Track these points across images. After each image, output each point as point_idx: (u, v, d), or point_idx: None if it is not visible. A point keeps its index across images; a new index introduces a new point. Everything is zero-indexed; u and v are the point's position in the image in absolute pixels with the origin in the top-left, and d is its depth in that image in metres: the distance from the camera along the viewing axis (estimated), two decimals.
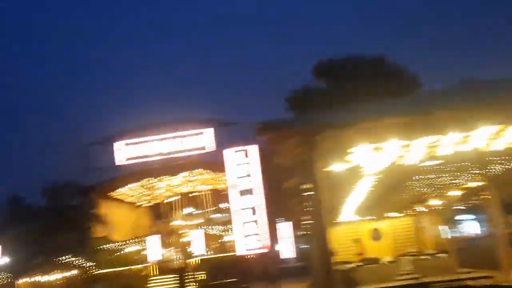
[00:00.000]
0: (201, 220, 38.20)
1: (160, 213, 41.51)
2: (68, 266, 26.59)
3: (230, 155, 7.51)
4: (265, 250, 7.78)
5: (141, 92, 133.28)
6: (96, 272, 29.04)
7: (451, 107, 7.63)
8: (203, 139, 33.72)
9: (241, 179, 7.61)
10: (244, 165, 7.65)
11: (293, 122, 7.78)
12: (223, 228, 35.71)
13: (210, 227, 35.82)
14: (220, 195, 41.33)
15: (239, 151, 7.68)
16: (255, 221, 7.60)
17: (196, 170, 35.54)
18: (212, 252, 34.92)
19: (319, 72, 35.01)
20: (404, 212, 20.00)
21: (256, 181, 7.79)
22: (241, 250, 7.49)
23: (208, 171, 36.05)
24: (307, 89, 34.07)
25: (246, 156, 7.76)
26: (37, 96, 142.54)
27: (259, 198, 7.69)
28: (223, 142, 34.15)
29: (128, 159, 33.52)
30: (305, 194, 12.05)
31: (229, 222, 36.78)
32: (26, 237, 29.07)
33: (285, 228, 23.55)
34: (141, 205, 41.09)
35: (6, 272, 25.57)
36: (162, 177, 36.02)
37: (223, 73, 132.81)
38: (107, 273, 30.99)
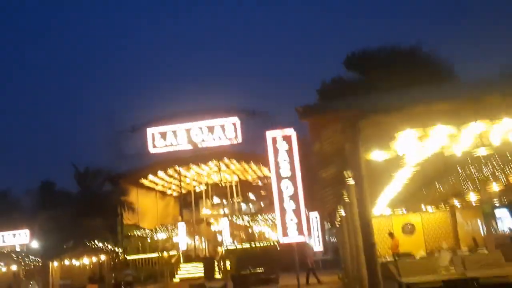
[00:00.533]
0: (228, 210, 38.25)
1: (187, 202, 41.72)
2: (98, 251, 26.90)
3: (271, 138, 7.33)
4: (303, 239, 7.60)
5: (170, 82, 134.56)
6: (126, 258, 29.33)
7: (504, 93, 7.23)
8: (232, 129, 33.62)
9: (281, 164, 7.43)
10: (284, 150, 7.46)
11: (338, 106, 7.47)
12: (250, 218, 35.67)
13: (237, 217, 35.79)
14: (247, 186, 41.32)
15: (279, 135, 7.47)
16: (294, 209, 7.43)
17: (225, 160, 35.51)
18: (238, 242, 34.93)
19: (351, 63, 34.32)
20: (439, 206, 19.48)
21: (295, 167, 7.59)
22: (280, 238, 7.34)
23: (235, 161, 35.99)
24: (339, 80, 33.49)
25: (285, 140, 7.56)
26: (70, 84, 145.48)
27: (297, 185, 7.50)
28: (251, 132, 34.13)
29: (158, 147, 33.68)
30: (344, 183, 11.77)
31: (256, 213, 36.88)
32: (57, 221, 29.53)
33: (314, 220, 23.28)
34: (170, 194, 41.38)
35: (39, 255, 26.06)
36: (190, 166, 36.13)
37: (250, 62, 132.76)
38: (137, 260, 31.28)
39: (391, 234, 18.72)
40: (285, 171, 8.10)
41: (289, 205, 8.06)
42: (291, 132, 8.20)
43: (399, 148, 8.88)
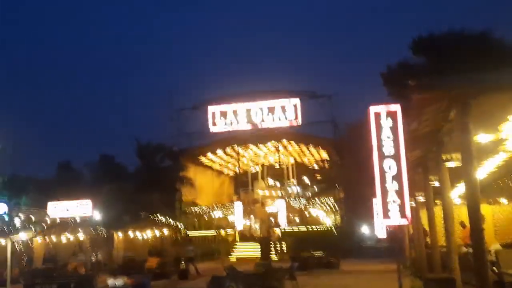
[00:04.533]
0: (283, 192, 38.15)
1: (242, 182, 41.95)
2: (160, 226, 27.44)
3: (374, 114, 7.00)
4: (406, 222, 7.21)
5: (231, 61, 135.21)
6: (187, 234, 29.83)
7: None
8: (293, 110, 33.35)
9: (384, 142, 7.10)
10: (388, 127, 7.13)
11: (448, 82, 7.05)
12: (306, 201, 35.41)
13: (293, 199, 35.62)
14: (302, 169, 41.04)
15: (383, 110, 7.12)
16: (397, 190, 7.10)
17: (284, 141, 35.34)
18: (293, 225, 34.76)
19: (418, 47, 33.15)
20: None
21: (400, 146, 7.24)
22: (380, 221, 7.02)
23: (294, 142, 35.76)
24: (404, 64, 32.45)
25: (390, 116, 7.22)
26: (133, 60, 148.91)
27: (401, 164, 7.15)
28: (310, 114, 33.78)
29: (218, 125, 33.89)
30: (427, 168, 11.31)
31: (313, 196, 36.55)
32: (120, 193, 30.25)
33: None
34: (225, 173, 41.68)
35: (102, 226, 26.83)
36: (249, 145, 36.19)
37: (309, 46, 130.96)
38: (195, 236, 31.75)
39: (463, 224, 17.99)
40: (389, 149, 7.76)
41: (392, 186, 7.72)
42: (396, 107, 7.84)
43: (507, 130, 8.38)
